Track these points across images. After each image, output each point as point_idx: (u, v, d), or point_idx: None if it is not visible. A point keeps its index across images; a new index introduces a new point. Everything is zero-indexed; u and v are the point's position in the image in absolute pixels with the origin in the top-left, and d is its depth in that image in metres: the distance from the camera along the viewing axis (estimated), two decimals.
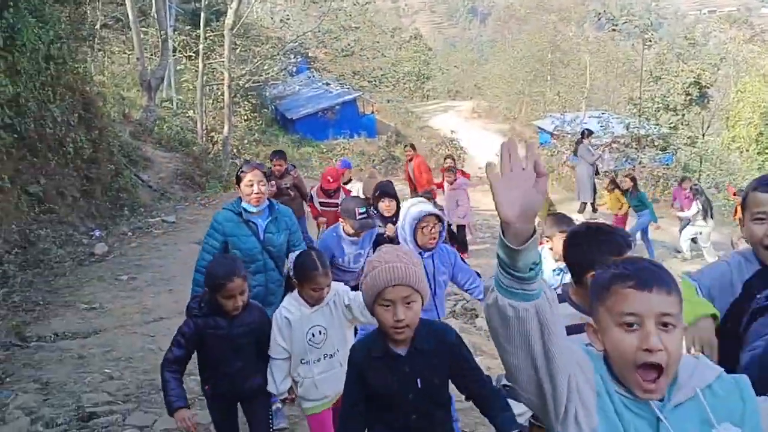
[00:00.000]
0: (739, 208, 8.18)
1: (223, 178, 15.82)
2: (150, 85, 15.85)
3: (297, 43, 20.68)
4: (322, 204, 7.67)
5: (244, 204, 3.96)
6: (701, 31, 38.41)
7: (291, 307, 3.06)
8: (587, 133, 12.93)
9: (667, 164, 19.09)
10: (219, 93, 18.63)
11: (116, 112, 15.35)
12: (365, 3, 21.53)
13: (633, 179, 10.49)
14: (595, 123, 20.34)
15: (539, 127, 27.40)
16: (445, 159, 10.79)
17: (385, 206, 5.19)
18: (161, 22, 16.47)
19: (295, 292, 3.09)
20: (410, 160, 10.77)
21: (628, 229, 10.35)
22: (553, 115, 24.79)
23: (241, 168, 4.02)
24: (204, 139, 17.49)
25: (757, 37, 38.63)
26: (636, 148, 18.49)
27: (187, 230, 10.67)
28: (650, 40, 27.28)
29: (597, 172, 13.32)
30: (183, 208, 12.41)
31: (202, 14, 17.18)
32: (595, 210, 12.90)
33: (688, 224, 11.30)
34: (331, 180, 7.56)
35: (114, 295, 7.37)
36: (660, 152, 19.38)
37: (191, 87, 19.11)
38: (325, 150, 23.18)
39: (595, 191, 12.82)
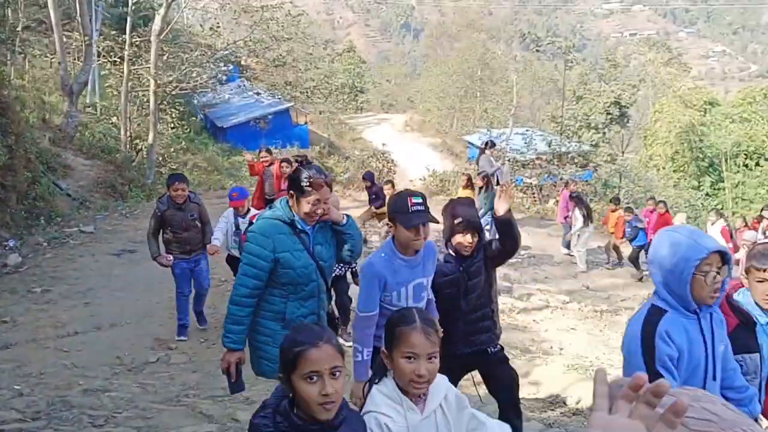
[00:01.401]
0: (610, 216, 8.80)
1: (147, 186, 15.45)
2: (72, 90, 15.35)
3: (228, 52, 20.47)
4: None
5: (296, 215, 3.20)
6: (622, 53, 40.11)
7: (390, 409, 2.11)
8: (490, 145, 13.70)
9: (587, 180, 19.90)
10: (145, 99, 18.22)
11: (36, 118, 14.78)
12: (297, 14, 21.56)
13: (486, 178, 11.11)
14: (520, 139, 21.04)
15: (469, 142, 28.02)
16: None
17: (467, 242, 3.43)
18: (85, 26, 16.01)
19: (389, 382, 2.16)
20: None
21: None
22: (481, 131, 25.43)
23: (303, 178, 3.16)
24: (128, 146, 17.05)
25: (674, 60, 40.79)
26: (557, 165, 19.21)
27: (105, 241, 10.40)
28: (572, 61, 28.43)
29: (497, 182, 14.04)
30: (103, 217, 12.07)
31: (129, 19, 16.81)
32: None
33: (568, 232, 11.92)
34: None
35: (26, 308, 7.13)
36: (580, 169, 20.19)
37: (116, 93, 18.61)
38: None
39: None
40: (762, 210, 12.97)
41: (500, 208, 3.33)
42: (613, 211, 12.21)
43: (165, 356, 5.90)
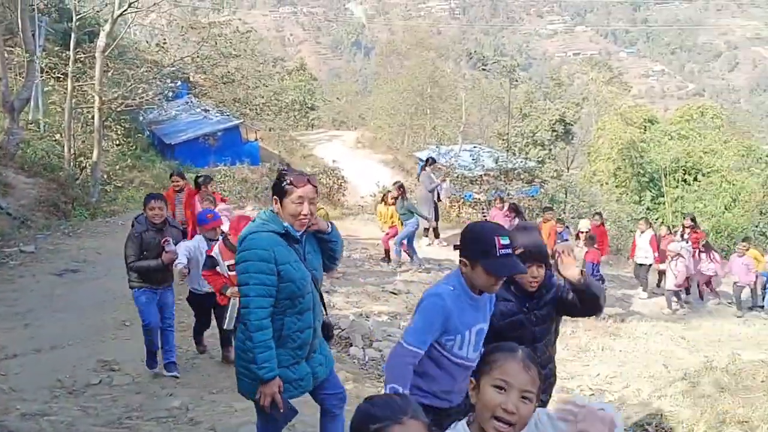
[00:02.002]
0: (543, 227, 9.05)
1: (91, 205, 15.10)
2: (13, 106, 14.92)
3: (175, 68, 20.26)
4: (232, 267, 5.27)
5: (286, 224, 3.06)
6: (566, 72, 41.33)
7: None
8: (430, 161, 14.22)
9: (533, 196, 20.38)
10: (89, 116, 17.84)
11: None
12: (246, 31, 21.52)
13: (401, 188, 11.41)
14: (468, 156, 21.42)
15: (419, 158, 28.36)
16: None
17: (532, 276, 2.99)
18: (28, 42, 15.62)
19: (461, 428, 1.89)
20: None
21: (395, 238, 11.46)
22: (431, 147, 25.79)
23: (285, 179, 3.06)
24: (71, 164, 16.64)
25: (616, 79, 42.22)
26: (504, 181, 19.64)
27: (47, 261, 10.10)
28: (516, 80, 29.16)
29: (439, 198, 14.43)
30: (44, 237, 11.72)
31: (73, 35, 16.48)
32: (437, 235, 13.98)
33: None
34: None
35: None
36: (526, 185, 20.67)
37: (59, 109, 18.18)
38: None
39: (437, 218, 14.07)
40: (684, 218, 13.54)
41: (571, 275, 2.92)
42: (545, 221, 12.46)
43: (108, 378, 5.77)
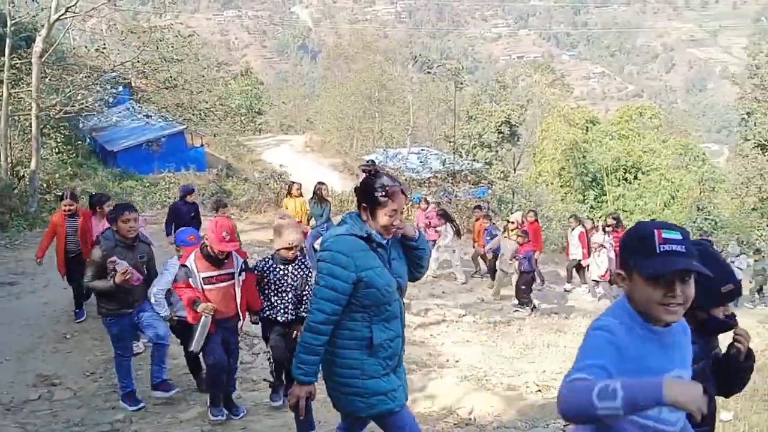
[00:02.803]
0: (475, 225, 9.23)
1: (30, 215, 14.60)
2: None
3: (116, 73, 19.78)
4: (208, 280, 4.59)
5: (369, 228, 2.91)
6: (511, 75, 42.08)
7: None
8: (371, 164, 13.94)
9: (481, 197, 20.69)
10: (27, 124, 17.27)
11: None
12: (188, 35, 21.17)
13: (320, 189, 10.97)
14: (416, 159, 21.62)
15: (373, 161, 28.47)
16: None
17: (722, 315, 2.33)
18: None
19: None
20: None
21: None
22: (378, 151, 25.90)
23: (379, 189, 2.89)
24: (8, 173, 16.08)
25: (558, 81, 43.24)
26: (452, 183, 19.88)
27: None
28: (462, 83, 29.55)
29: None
30: None
31: (8, 40, 15.93)
32: None
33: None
34: (227, 237, 4.48)
35: None
36: (473, 186, 20.98)
37: None
38: (149, 184, 22.23)
39: None
40: (608, 217, 13.87)
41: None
42: (477, 220, 12.64)
43: (47, 393, 5.60)
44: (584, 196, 31.13)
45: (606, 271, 11.12)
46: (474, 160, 25.30)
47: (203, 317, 4.45)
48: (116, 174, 23.25)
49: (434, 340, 8.28)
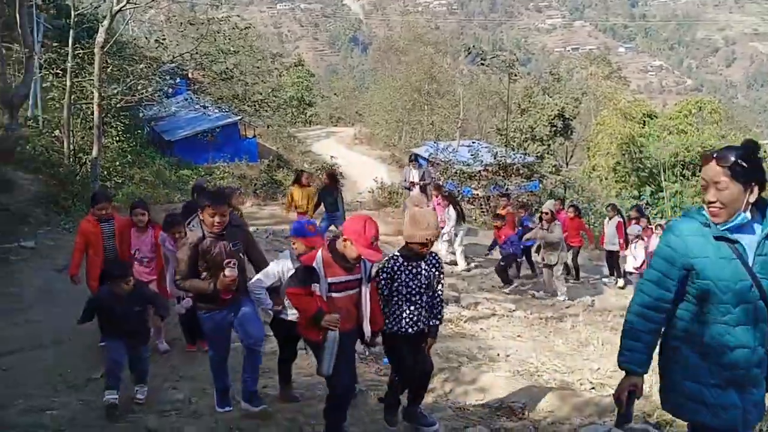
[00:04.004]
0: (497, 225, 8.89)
1: None
2: (12, 102, 14.90)
3: (174, 65, 20.22)
4: (335, 287, 3.82)
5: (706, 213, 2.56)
6: (565, 67, 41.33)
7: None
8: (412, 158, 14.75)
9: (532, 191, 20.40)
10: (89, 112, 17.81)
11: None
12: (245, 27, 21.49)
13: (332, 176, 11.11)
14: (467, 151, 21.42)
15: (416, 154, 28.42)
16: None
17: None
18: (26, 38, 15.58)
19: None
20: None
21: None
22: (428, 143, 25.77)
23: None
24: (71, 160, 16.62)
25: (614, 74, 42.23)
26: (503, 176, 19.64)
27: (48, 256, 10.11)
28: (515, 75, 29.09)
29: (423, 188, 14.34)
30: (44, 233, 11.74)
31: (72, 31, 16.44)
32: None
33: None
34: (375, 244, 3.71)
35: None
36: (525, 180, 20.68)
37: (58, 106, 18.15)
38: (203, 173, 22.73)
39: None
40: (632, 209, 13.38)
41: None
42: (503, 208, 12.16)
43: None
44: (640, 192, 30.32)
45: (642, 263, 10.83)
46: (525, 154, 24.91)
47: (330, 333, 3.70)
48: (173, 163, 23.83)
49: (484, 334, 8.21)
